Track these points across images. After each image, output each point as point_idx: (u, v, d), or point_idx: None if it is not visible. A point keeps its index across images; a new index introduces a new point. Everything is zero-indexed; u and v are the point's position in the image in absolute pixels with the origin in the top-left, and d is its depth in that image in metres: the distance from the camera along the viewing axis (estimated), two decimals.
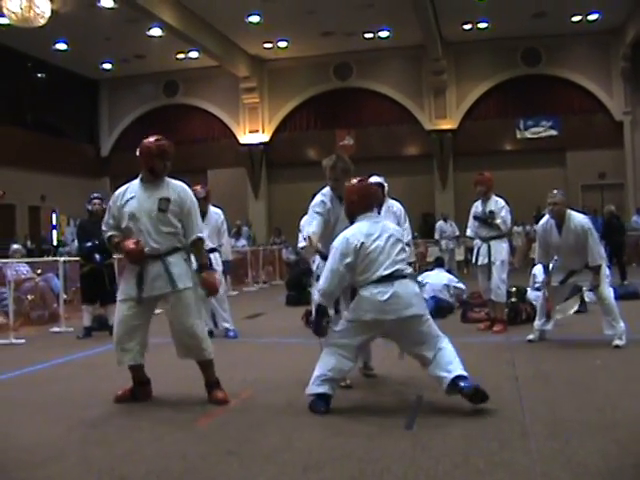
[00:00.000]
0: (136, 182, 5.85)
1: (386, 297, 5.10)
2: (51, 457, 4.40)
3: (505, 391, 5.59)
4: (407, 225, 9.62)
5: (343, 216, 6.28)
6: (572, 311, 8.40)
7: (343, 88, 29.60)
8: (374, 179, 9.64)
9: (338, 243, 5.33)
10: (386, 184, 9.61)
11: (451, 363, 5.13)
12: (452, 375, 5.07)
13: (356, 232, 5.32)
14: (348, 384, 6.14)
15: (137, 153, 5.78)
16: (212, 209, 9.89)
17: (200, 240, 5.89)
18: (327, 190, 6.39)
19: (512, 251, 19.97)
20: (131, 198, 5.73)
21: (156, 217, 5.64)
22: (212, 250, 9.61)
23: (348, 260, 5.21)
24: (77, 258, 11.08)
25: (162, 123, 28.23)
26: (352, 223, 5.50)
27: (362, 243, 5.22)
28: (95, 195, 10.56)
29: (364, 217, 5.45)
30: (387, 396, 5.78)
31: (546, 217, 8.23)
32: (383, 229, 5.38)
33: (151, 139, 5.78)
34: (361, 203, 5.49)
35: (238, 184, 29.87)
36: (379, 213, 9.50)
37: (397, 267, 5.22)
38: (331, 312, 6.22)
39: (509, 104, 28.47)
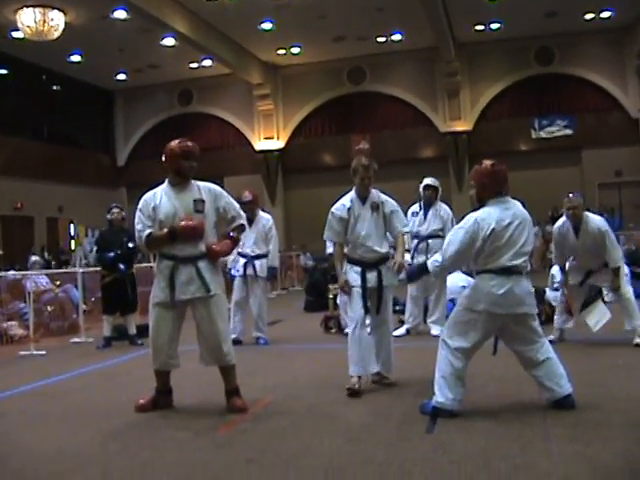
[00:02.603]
0: (164, 187, 5.85)
1: (502, 291, 5.05)
2: (73, 467, 4.43)
3: (526, 393, 5.57)
4: None
5: (363, 215, 6.28)
6: (605, 320, 8.07)
7: (357, 92, 29.51)
8: (427, 181, 9.60)
9: (468, 225, 5.15)
10: (440, 187, 9.52)
11: (562, 377, 5.21)
12: (565, 392, 5.17)
13: (487, 217, 5.12)
14: (357, 388, 6.11)
15: (162, 158, 5.82)
16: (261, 214, 9.64)
17: (242, 226, 6.01)
18: (352, 194, 6.41)
19: None
20: (163, 201, 5.74)
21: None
22: (259, 256, 9.49)
23: (476, 245, 5.09)
24: (97, 268, 11.15)
25: (177, 132, 28.09)
26: (480, 207, 5.28)
27: (492, 229, 5.05)
28: (114, 205, 10.68)
29: (495, 202, 5.21)
30: (407, 400, 5.76)
31: (562, 219, 8.18)
32: (514, 216, 5.19)
33: (175, 141, 5.85)
34: (492, 187, 5.23)
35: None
36: (426, 216, 9.52)
37: (519, 261, 5.12)
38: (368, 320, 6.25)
39: (523, 104, 28.27)
